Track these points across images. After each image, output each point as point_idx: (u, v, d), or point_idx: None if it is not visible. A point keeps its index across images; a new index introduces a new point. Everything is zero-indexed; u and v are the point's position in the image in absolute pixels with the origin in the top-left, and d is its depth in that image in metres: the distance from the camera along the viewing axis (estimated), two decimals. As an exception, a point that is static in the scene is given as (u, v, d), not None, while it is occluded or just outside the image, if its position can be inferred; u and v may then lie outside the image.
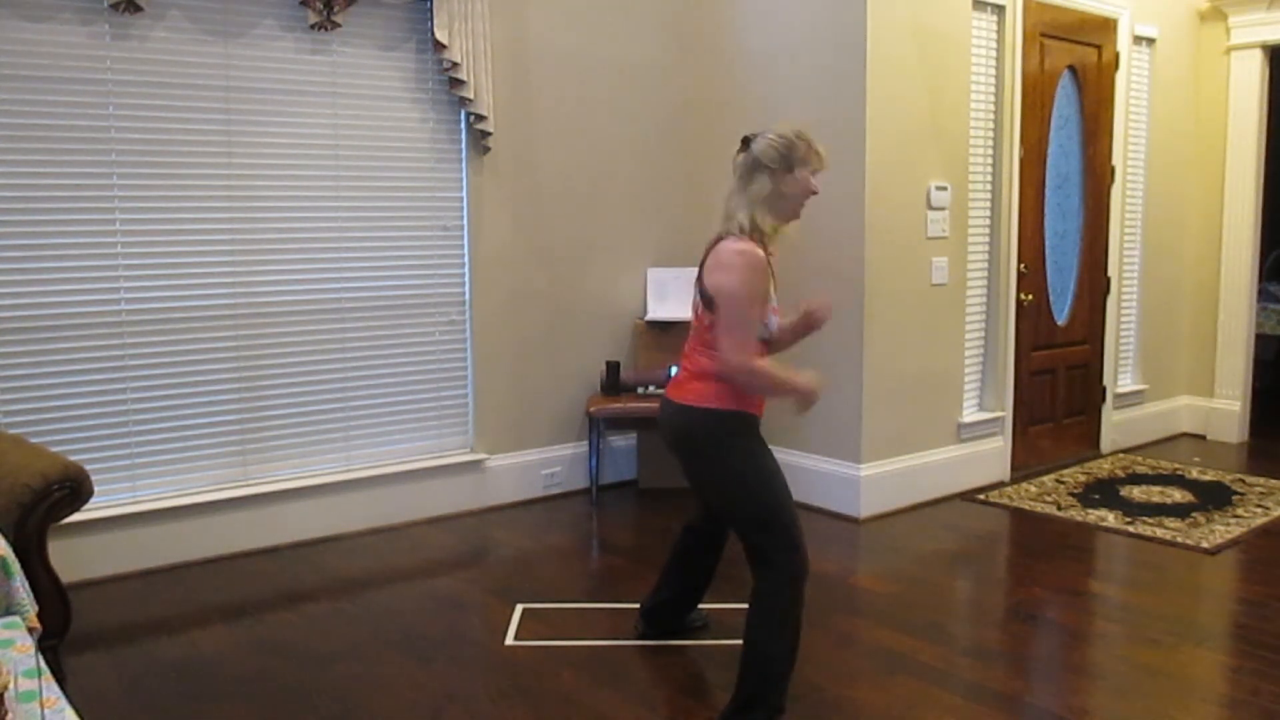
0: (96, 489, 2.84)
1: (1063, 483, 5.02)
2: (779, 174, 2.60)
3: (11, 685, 1.66)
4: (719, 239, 2.65)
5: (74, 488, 2.71)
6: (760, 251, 2.57)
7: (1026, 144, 4.99)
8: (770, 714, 2.60)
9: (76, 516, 2.92)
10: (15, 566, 2.39)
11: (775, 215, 2.64)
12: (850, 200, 4.35)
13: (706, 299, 2.61)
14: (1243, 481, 5.00)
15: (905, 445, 4.62)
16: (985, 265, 4.94)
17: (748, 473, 2.66)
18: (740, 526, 2.71)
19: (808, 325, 2.82)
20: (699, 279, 2.67)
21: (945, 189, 4.63)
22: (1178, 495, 4.78)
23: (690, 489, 3.01)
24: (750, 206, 2.61)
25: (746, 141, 2.67)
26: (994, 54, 4.82)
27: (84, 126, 3.67)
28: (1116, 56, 5.43)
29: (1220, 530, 4.24)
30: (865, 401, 4.43)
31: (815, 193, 2.67)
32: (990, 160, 4.88)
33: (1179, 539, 4.13)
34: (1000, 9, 4.79)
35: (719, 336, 2.57)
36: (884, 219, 4.40)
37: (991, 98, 4.84)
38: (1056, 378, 5.37)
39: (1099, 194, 5.49)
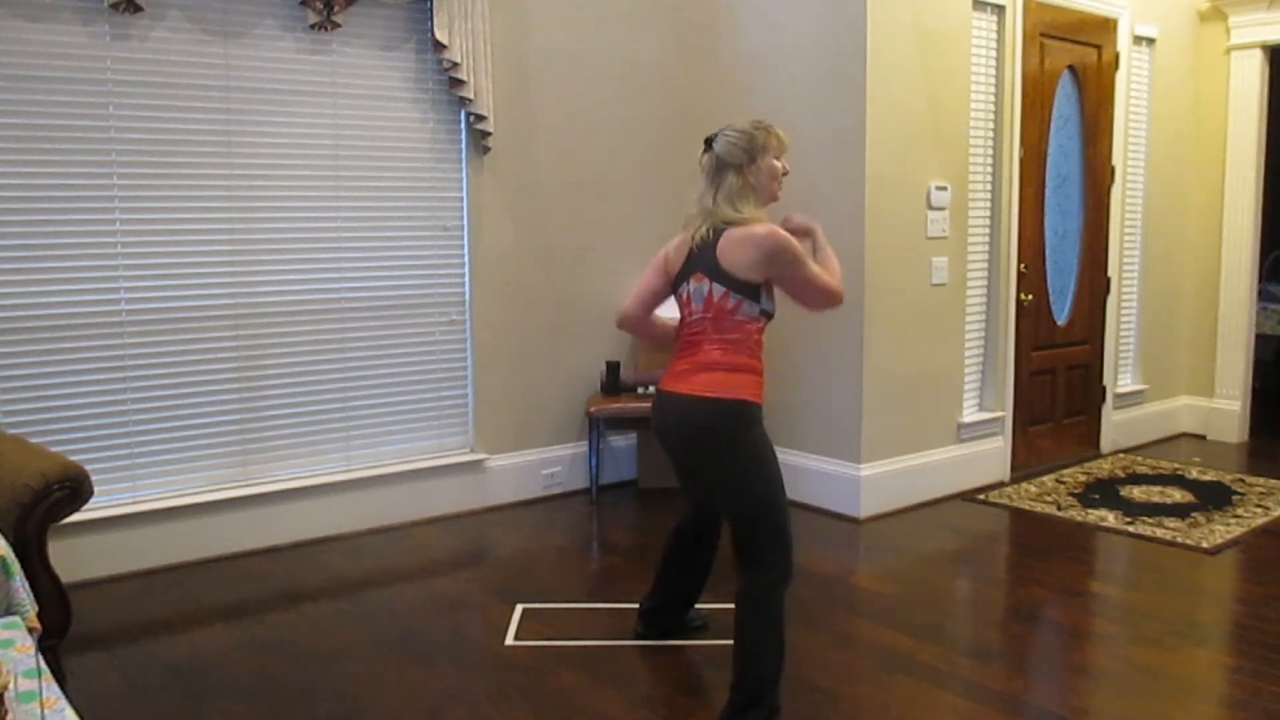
0: (96, 489, 2.84)
1: (1063, 483, 5.02)
2: (745, 168, 2.69)
3: (11, 685, 1.66)
4: (716, 231, 2.68)
5: (74, 488, 2.71)
6: (774, 226, 2.67)
7: (1026, 144, 4.99)
8: (769, 714, 2.60)
9: (76, 516, 2.91)
10: (15, 566, 2.39)
11: (753, 204, 2.71)
12: (850, 200, 4.35)
13: (737, 283, 2.64)
14: (1243, 481, 5.00)
15: (905, 445, 4.62)
16: (985, 265, 4.94)
17: (758, 467, 2.66)
18: (740, 521, 2.71)
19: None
20: (707, 269, 2.68)
21: (945, 189, 4.63)
22: (1178, 495, 4.78)
23: (682, 486, 3.01)
24: (731, 202, 2.69)
25: (709, 143, 2.76)
26: (994, 54, 4.82)
27: (84, 126, 3.67)
28: (1116, 56, 5.43)
29: (1220, 530, 4.24)
30: (865, 401, 4.43)
31: (785, 173, 2.78)
32: (990, 160, 4.88)
33: (1179, 539, 4.13)
34: (1000, 9, 4.79)
35: (815, 297, 2.71)
36: (884, 219, 4.40)
37: (991, 98, 4.84)
38: (1056, 378, 5.37)
39: (1099, 194, 5.49)
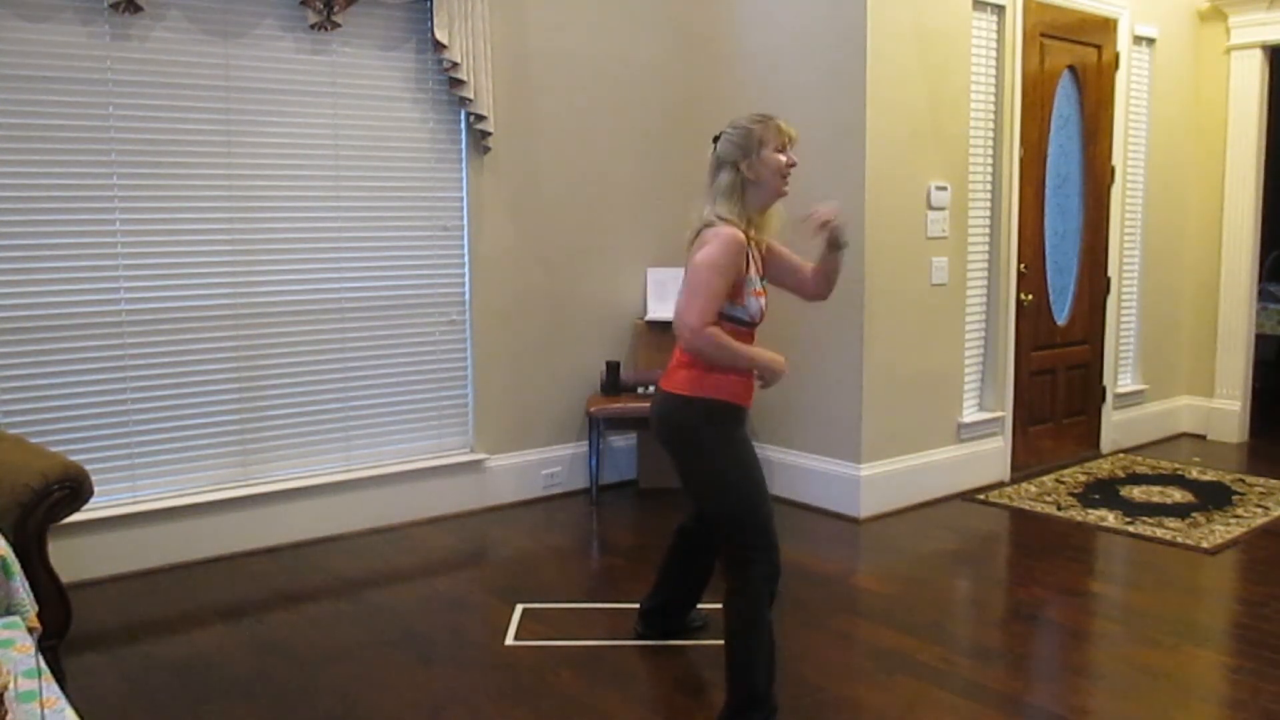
0: (96, 489, 2.84)
1: (1063, 483, 5.02)
2: (740, 164, 2.64)
3: (11, 685, 1.66)
4: (696, 234, 2.67)
5: (74, 488, 2.71)
6: (739, 234, 2.59)
7: (1026, 144, 4.99)
8: (767, 714, 2.60)
9: (76, 516, 2.91)
10: (15, 566, 2.39)
11: (748, 204, 2.66)
12: (850, 200, 4.35)
13: None
14: (1243, 481, 5.00)
15: (905, 445, 4.62)
16: (985, 265, 4.94)
17: (727, 466, 2.65)
18: (716, 520, 2.72)
19: (830, 243, 2.73)
20: (686, 268, 2.67)
21: (945, 189, 4.63)
22: (1178, 495, 4.78)
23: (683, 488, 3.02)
24: (714, 201, 2.65)
25: (716, 140, 2.72)
26: (994, 54, 4.82)
27: (84, 126, 3.67)
28: (1116, 56, 5.43)
29: (1220, 530, 4.24)
30: (865, 401, 4.43)
31: (792, 165, 2.68)
32: (990, 160, 4.88)
33: (1179, 539, 4.13)
34: (1000, 9, 4.79)
35: (681, 303, 2.58)
36: (884, 219, 4.40)
37: (991, 98, 4.84)
38: (1056, 378, 5.37)
39: (1099, 194, 5.49)
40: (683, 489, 2.96)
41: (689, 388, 2.65)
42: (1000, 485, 4.95)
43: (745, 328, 2.67)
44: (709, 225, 2.62)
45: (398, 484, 4.43)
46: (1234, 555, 4.00)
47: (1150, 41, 5.61)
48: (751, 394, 2.72)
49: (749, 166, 2.64)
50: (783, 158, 2.66)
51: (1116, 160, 5.51)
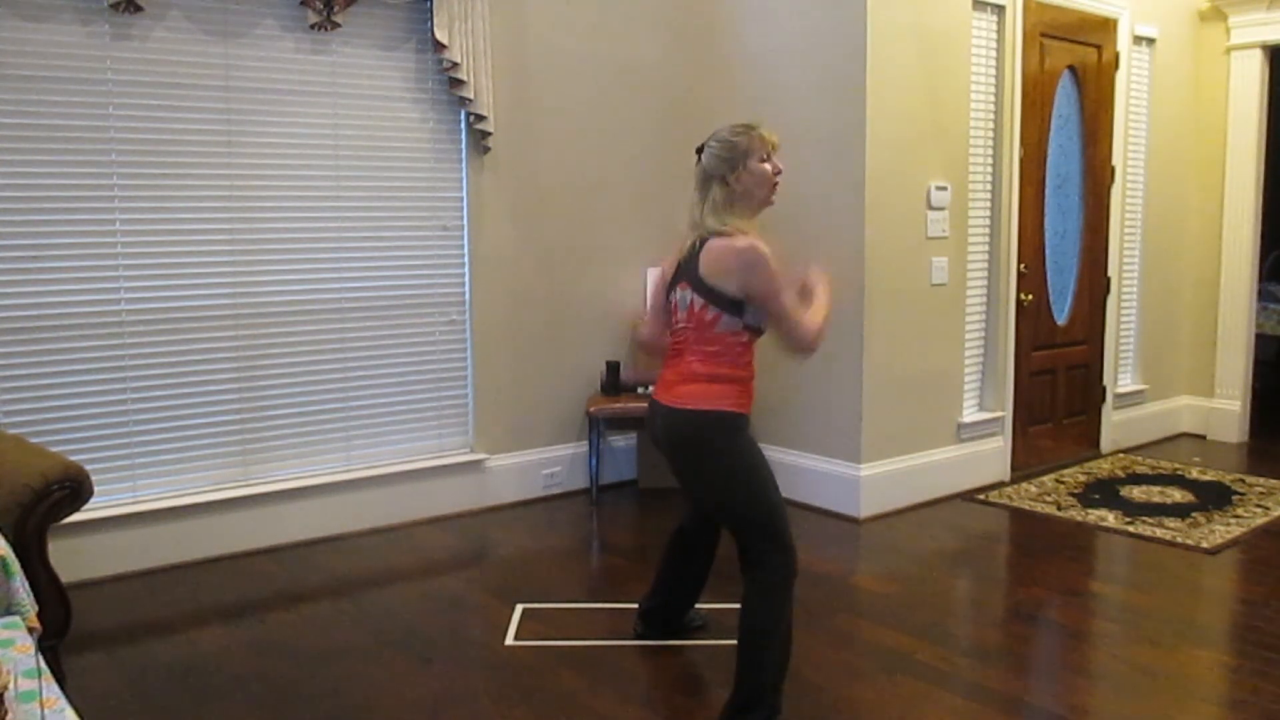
0: (96, 489, 2.84)
1: (1063, 483, 5.02)
2: (728, 178, 2.65)
3: (11, 685, 1.66)
4: (702, 241, 2.65)
5: (74, 488, 2.71)
6: (760, 241, 2.60)
7: (1026, 144, 4.99)
8: (769, 715, 2.60)
9: (76, 516, 2.91)
10: (15, 566, 2.38)
11: (742, 213, 2.67)
12: (850, 200, 4.35)
13: (717, 296, 2.61)
14: (1243, 481, 5.00)
15: (905, 445, 4.62)
16: (985, 265, 4.94)
17: (743, 473, 2.66)
18: (735, 527, 2.72)
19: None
20: (690, 280, 2.66)
21: (945, 189, 4.63)
22: (1178, 495, 4.78)
23: (682, 490, 3.01)
24: (716, 214, 2.65)
25: (700, 152, 2.72)
26: (994, 54, 4.82)
27: (84, 126, 3.67)
28: (1116, 56, 5.43)
29: (1220, 530, 4.24)
30: (865, 401, 4.43)
31: (778, 173, 2.71)
32: (990, 160, 4.88)
33: (1179, 539, 4.13)
34: (1000, 9, 4.79)
35: (783, 328, 2.61)
36: (884, 219, 4.40)
37: (991, 98, 4.84)
38: (1056, 378, 5.37)
39: (1099, 194, 5.49)
40: (691, 496, 2.97)
41: (696, 401, 2.64)
42: (1000, 485, 4.95)
43: (755, 335, 2.69)
44: (720, 234, 2.62)
45: (398, 484, 4.43)
46: (1234, 555, 4.00)
47: (1150, 41, 5.61)
48: (752, 401, 2.73)
49: (737, 179, 2.65)
50: (768, 167, 2.68)
51: (1116, 160, 5.51)
